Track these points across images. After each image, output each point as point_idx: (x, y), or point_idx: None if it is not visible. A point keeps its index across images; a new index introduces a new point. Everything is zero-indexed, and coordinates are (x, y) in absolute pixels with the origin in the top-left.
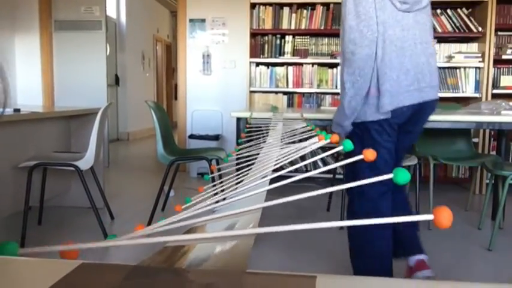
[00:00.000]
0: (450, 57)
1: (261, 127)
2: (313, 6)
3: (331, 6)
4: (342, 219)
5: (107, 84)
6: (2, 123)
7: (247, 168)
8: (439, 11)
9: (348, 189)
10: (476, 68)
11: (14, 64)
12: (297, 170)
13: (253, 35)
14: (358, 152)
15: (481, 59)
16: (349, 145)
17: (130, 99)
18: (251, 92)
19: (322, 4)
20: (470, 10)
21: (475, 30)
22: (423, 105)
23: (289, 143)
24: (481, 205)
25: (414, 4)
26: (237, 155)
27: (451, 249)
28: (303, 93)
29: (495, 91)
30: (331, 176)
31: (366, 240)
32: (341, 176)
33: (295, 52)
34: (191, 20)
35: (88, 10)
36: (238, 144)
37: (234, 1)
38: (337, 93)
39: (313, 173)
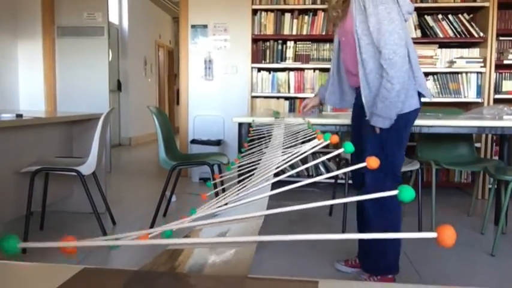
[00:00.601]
0: (452, 63)
1: (263, 133)
2: (314, 12)
3: None
4: (344, 224)
5: (109, 89)
6: (4, 128)
7: (249, 174)
8: (440, 16)
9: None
10: (478, 73)
11: (17, 69)
12: (299, 174)
13: (255, 40)
14: (393, 145)
15: (482, 64)
16: (350, 147)
17: (133, 105)
18: (253, 97)
19: (324, 10)
20: (471, 15)
21: (476, 35)
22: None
23: (291, 146)
24: (484, 210)
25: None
26: (239, 163)
27: (454, 254)
28: (305, 99)
29: (497, 96)
30: (333, 181)
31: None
32: (343, 181)
33: (296, 57)
34: (193, 26)
35: (90, 16)
36: (240, 152)
37: (235, 7)
38: None
39: (317, 178)
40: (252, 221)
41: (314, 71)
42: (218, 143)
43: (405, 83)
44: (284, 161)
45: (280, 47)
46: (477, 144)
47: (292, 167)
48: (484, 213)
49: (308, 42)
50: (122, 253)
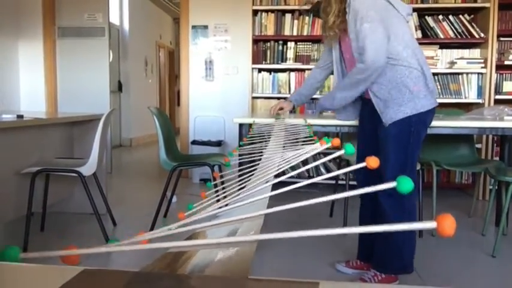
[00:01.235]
0: (452, 63)
1: (263, 133)
2: None
3: None
4: (344, 225)
5: (110, 90)
6: (4, 129)
7: (249, 174)
8: (441, 17)
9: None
10: (478, 73)
11: (18, 70)
12: (299, 176)
13: (256, 41)
14: (414, 147)
15: (483, 65)
16: (350, 149)
17: (133, 106)
18: (253, 98)
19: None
20: (472, 16)
21: (477, 36)
22: None
23: (292, 144)
24: (485, 211)
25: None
26: (239, 159)
27: (455, 255)
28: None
29: (498, 97)
30: (333, 182)
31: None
32: (343, 182)
33: (297, 58)
34: (194, 27)
35: (91, 17)
36: (240, 146)
37: (236, 8)
38: None
39: (317, 179)
40: (252, 221)
41: None
42: (219, 143)
43: (351, 97)
44: (285, 162)
45: (280, 47)
46: (478, 145)
47: (293, 168)
48: (484, 214)
49: (309, 43)
50: (123, 254)
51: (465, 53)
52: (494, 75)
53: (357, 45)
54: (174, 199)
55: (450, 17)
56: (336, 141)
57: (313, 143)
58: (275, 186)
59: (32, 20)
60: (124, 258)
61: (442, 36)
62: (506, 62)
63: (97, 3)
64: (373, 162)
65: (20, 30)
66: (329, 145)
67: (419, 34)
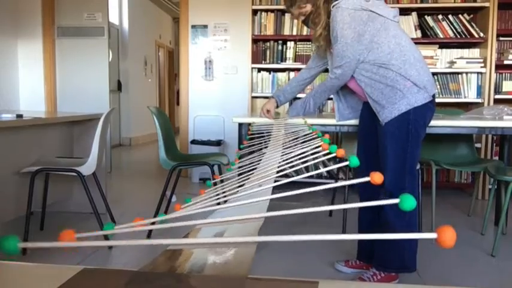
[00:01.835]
0: (452, 63)
1: (263, 133)
2: None
3: None
4: (344, 225)
5: (110, 90)
6: (4, 128)
7: (249, 173)
8: (440, 16)
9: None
10: (478, 73)
11: (17, 70)
12: (299, 175)
13: (255, 41)
14: (414, 145)
15: (483, 65)
16: (355, 161)
17: (133, 105)
18: (253, 97)
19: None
20: (471, 16)
21: (476, 35)
22: None
23: (292, 141)
24: (484, 210)
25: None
26: (239, 162)
27: (454, 254)
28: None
29: (497, 96)
30: (333, 181)
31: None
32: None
33: (297, 58)
34: (193, 26)
35: (91, 16)
36: (240, 149)
37: (236, 7)
38: None
39: (318, 187)
40: (252, 221)
41: None
42: (218, 143)
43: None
44: (286, 160)
45: (280, 47)
46: (477, 145)
47: (294, 168)
48: (484, 213)
49: (308, 43)
50: (122, 253)
51: (465, 52)
52: (493, 75)
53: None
54: (174, 198)
55: (450, 16)
56: (340, 153)
57: (317, 137)
58: (276, 186)
59: (31, 19)
60: (123, 257)
61: (441, 35)
62: (505, 62)
63: (96, 2)
64: (377, 178)
65: (19, 29)
66: (334, 154)
67: (418, 34)
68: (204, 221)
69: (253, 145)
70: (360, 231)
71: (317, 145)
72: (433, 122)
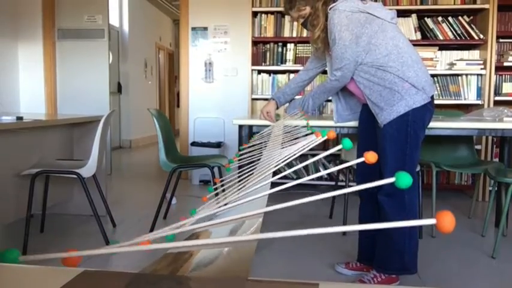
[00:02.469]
0: (452, 65)
1: (263, 137)
2: None
3: None
4: (344, 225)
5: (110, 92)
6: (4, 131)
7: (248, 174)
8: (440, 18)
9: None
10: (478, 75)
11: (17, 72)
12: (299, 176)
13: (255, 43)
14: (413, 147)
15: (482, 66)
16: (348, 143)
17: (133, 107)
18: (253, 99)
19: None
20: (471, 17)
21: (476, 37)
22: None
23: (291, 140)
24: (484, 212)
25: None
26: (238, 160)
27: (454, 256)
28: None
29: (497, 98)
30: (333, 183)
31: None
32: (343, 183)
33: (297, 60)
34: (193, 28)
35: (91, 19)
36: (240, 150)
37: (236, 9)
38: None
39: (314, 175)
40: (251, 221)
41: None
42: (218, 145)
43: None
44: (282, 159)
45: (280, 49)
46: (477, 146)
47: (291, 166)
48: (484, 215)
49: (308, 45)
50: (123, 256)
51: (464, 54)
52: (493, 77)
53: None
54: (174, 201)
55: (449, 18)
56: (332, 134)
57: (311, 133)
58: (274, 185)
59: (31, 21)
60: (124, 260)
61: (441, 37)
62: (505, 64)
63: (97, 5)
64: (371, 157)
65: (19, 32)
66: (325, 137)
67: (418, 35)
68: (204, 224)
69: (253, 145)
70: (360, 232)
71: (310, 135)
72: (433, 124)
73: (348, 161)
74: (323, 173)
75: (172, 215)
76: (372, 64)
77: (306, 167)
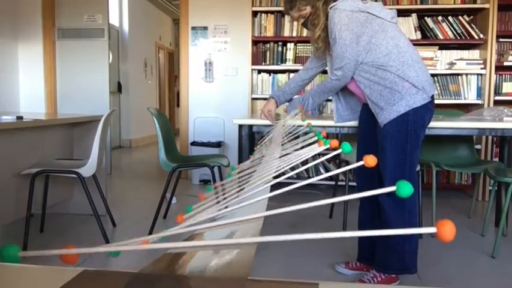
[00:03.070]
0: (452, 64)
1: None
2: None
3: None
4: (344, 227)
5: (110, 91)
6: (4, 130)
7: (248, 176)
8: (440, 18)
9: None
10: (478, 74)
11: (17, 71)
12: (299, 176)
13: (255, 42)
14: (413, 146)
15: (482, 66)
16: (347, 148)
17: (133, 107)
18: (253, 99)
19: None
20: (471, 17)
21: (476, 37)
22: None
23: (290, 140)
24: (484, 212)
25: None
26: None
27: (454, 256)
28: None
29: (497, 98)
30: (333, 183)
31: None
32: (343, 183)
33: (297, 59)
34: (193, 28)
35: (91, 18)
36: (252, 154)
37: (235, 9)
38: None
39: (315, 179)
40: (252, 223)
41: None
42: (218, 144)
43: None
44: (284, 163)
45: (280, 48)
46: (477, 146)
47: (292, 168)
48: (484, 215)
49: (308, 44)
50: (122, 256)
51: (464, 54)
52: (493, 76)
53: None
54: (174, 200)
55: (449, 18)
56: (334, 143)
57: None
58: (275, 188)
59: (31, 21)
60: (123, 260)
61: (441, 37)
62: (505, 63)
63: (97, 4)
64: (371, 160)
65: (19, 31)
66: (327, 146)
67: (418, 35)
68: (204, 225)
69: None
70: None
71: (313, 141)
72: (433, 124)
73: (347, 161)
74: (325, 175)
75: (172, 214)
76: (372, 64)
77: (304, 164)
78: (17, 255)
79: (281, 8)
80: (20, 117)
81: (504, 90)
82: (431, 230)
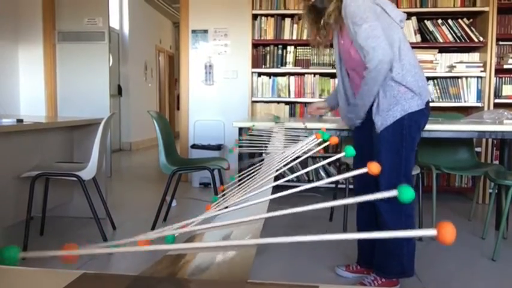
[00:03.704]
0: (452, 67)
1: (262, 136)
2: None
3: None
4: (344, 229)
5: (110, 94)
6: (4, 133)
7: (250, 178)
8: (440, 21)
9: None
10: (478, 77)
11: (18, 74)
12: (299, 180)
13: (255, 45)
14: (408, 149)
15: (482, 69)
16: (351, 151)
17: (133, 110)
18: (253, 102)
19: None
20: (471, 20)
21: (476, 40)
22: None
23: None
24: (485, 215)
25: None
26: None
27: (454, 259)
28: (305, 103)
29: (497, 100)
30: (333, 185)
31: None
32: (343, 186)
33: (297, 62)
34: (194, 31)
35: (91, 21)
36: (239, 140)
37: (236, 12)
38: None
39: (320, 183)
40: (252, 224)
41: (314, 76)
42: (218, 147)
43: (373, 95)
44: (283, 160)
45: (280, 51)
46: (477, 149)
47: (292, 171)
48: (484, 217)
49: (308, 47)
50: (122, 258)
51: (464, 57)
52: (493, 79)
53: (359, 48)
54: (174, 203)
55: (449, 21)
56: (334, 139)
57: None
58: (275, 191)
59: (32, 24)
60: (124, 262)
61: (441, 40)
62: (505, 66)
63: (97, 7)
64: (374, 168)
65: (19, 34)
66: (327, 143)
67: (418, 38)
68: (204, 226)
69: (254, 146)
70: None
71: (312, 139)
72: (433, 127)
73: (347, 163)
74: (329, 180)
75: (172, 217)
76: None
77: (304, 167)
78: (17, 256)
79: (281, 11)
80: (20, 120)
81: (504, 93)
82: (432, 232)
